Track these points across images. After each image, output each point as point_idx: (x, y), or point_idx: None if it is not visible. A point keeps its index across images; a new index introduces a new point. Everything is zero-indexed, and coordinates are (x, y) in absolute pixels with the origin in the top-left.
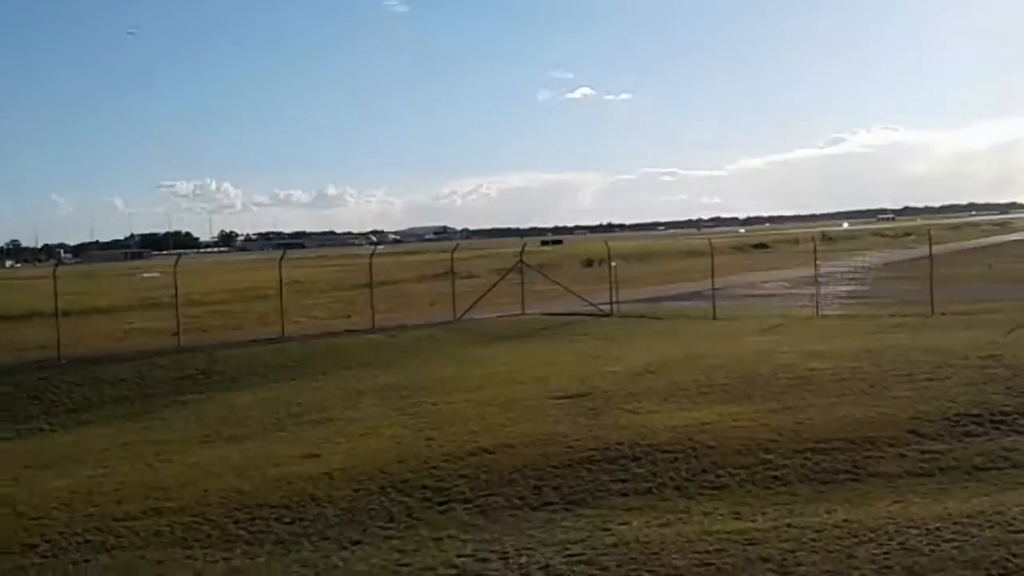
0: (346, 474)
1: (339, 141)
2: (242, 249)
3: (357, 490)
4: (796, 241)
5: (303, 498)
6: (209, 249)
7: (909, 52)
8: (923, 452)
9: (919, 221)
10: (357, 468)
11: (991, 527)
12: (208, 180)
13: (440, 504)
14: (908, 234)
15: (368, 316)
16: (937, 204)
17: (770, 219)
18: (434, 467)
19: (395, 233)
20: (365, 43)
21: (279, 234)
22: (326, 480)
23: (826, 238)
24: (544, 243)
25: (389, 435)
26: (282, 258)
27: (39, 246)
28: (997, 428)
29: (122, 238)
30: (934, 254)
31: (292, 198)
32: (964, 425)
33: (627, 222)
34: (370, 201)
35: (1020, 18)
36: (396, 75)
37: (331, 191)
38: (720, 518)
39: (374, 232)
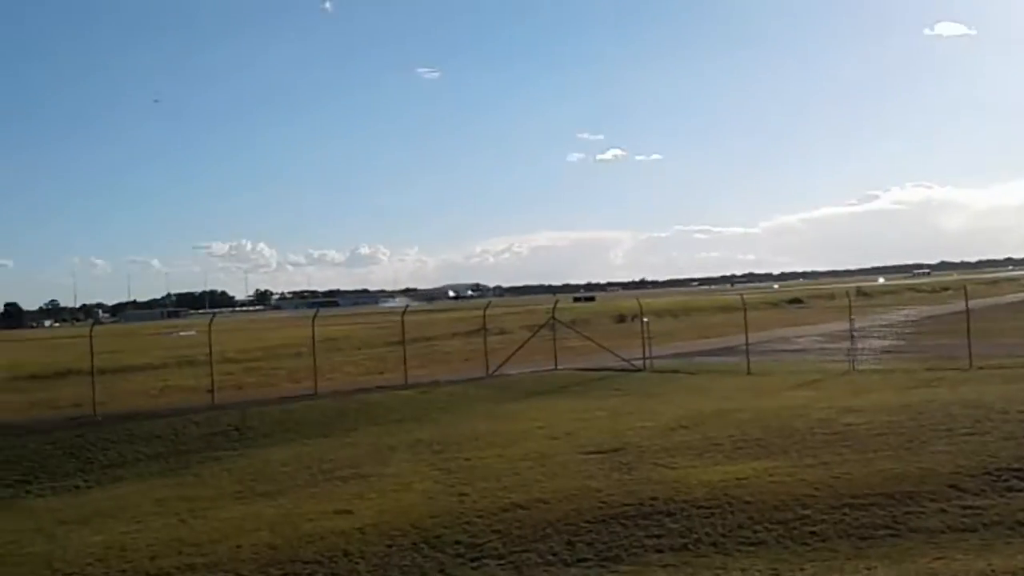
0: (378, 529)
1: (373, 202)
2: (276, 307)
3: (390, 546)
4: (831, 296)
5: (335, 554)
6: (244, 308)
7: (940, 109)
8: (964, 507)
9: (955, 276)
10: (389, 524)
11: None
12: (244, 241)
13: (473, 560)
14: (945, 289)
15: (400, 372)
16: (973, 259)
17: (804, 275)
18: (467, 522)
19: (455, 288)
20: (398, 108)
21: (313, 292)
22: (358, 536)
23: (861, 293)
24: (576, 299)
25: (421, 490)
26: (315, 316)
27: (77, 306)
28: None
29: (159, 297)
30: (971, 308)
31: (326, 257)
32: (1006, 480)
33: (660, 279)
34: (403, 260)
35: None
36: (428, 138)
37: (364, 250)
38: (757, 574)
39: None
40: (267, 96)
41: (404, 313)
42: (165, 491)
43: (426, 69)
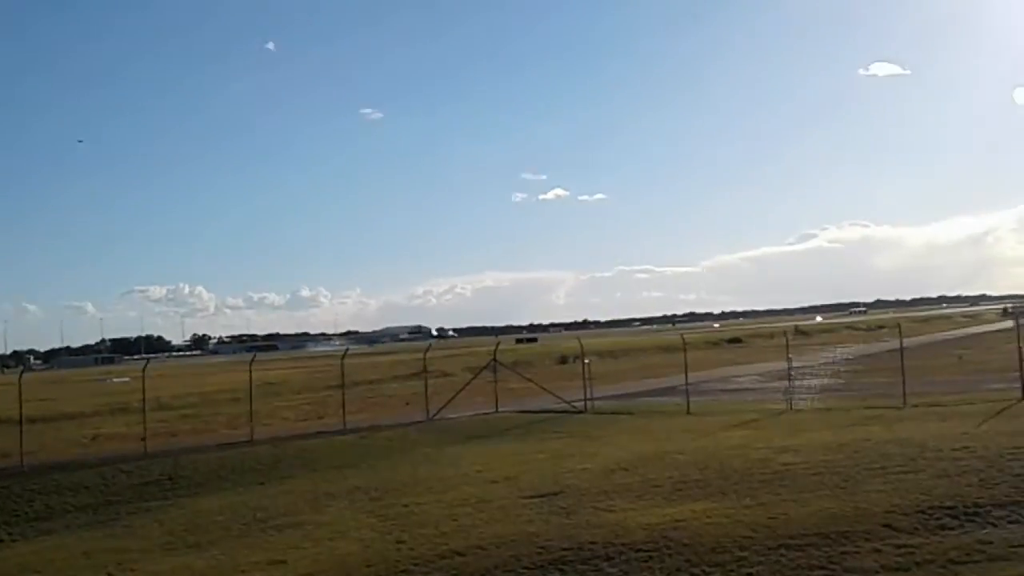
0: None
1: (313, 244)
2: (214, 352)
3: None
4: (770, 335)
5: None
6: (181, 353)
7: (877, 149)
8: (898, 546)
9: (891, 314)
10: (324, 574)
11: None
12: (181, 284)
13: None
14: (880, 327)
15: (340, 417)
16: (908, 297)
17: (744, 314)
18: (404, 571)
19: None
20: (340, 149)
21: (252, 336)
22: None
23: (800, 332)
24: (519, 341)
25: (358, 538)
26: (252, 360)
27: (8, 352)
28: (972, 521)
29: (93, 343)
30: (906, 346)
31: (266, 300)
32: (939, 518)
33: (603, 319)
34: (344, 302)
35: (987, 118)
36: (371, 179)
37: (305, 293)
38: None
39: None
40: (208, 137)
41: (344, 357)
42: (93, 543)
43: (370, 110)
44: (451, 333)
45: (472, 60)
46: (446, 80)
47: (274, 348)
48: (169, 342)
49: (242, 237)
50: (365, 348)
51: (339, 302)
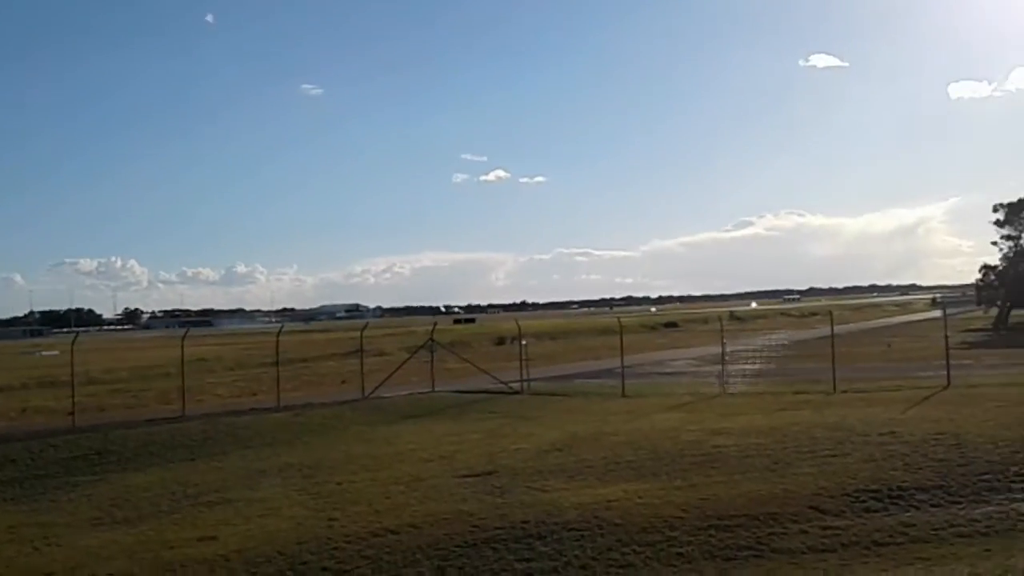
0: (243, 556)
1: (250, 220)
2: (146, 327)
3: (254, 573)
4: (705, 320)
5: None
6: (112, 327)
7: (814, 139)
8: (824, 528)
9: (823, 301)
10: (255, 550)
11: None
12: (113, 258)
13: None
14: (813, 314)
15: (274, 394)
16: (841, 285)
17: (681, 299)
18: (335, 548)
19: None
20: (279, 125)
21: (186, 312)
22: (222, 563)
23: (734, 317)
24: (457, 321)
25: (290, 516)
26: (185, 335)
27: None
28: (896, 504)
29: (21, 315)
30: (837, 334)
31: (200, 276)
32: (864, 501)
33: (541, 301)
34: (281, 279)
35: (922, 112)
36: (309, 156)
37: (241, 269)
38: None
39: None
40: (144, 108)
41: (279, 334)
42: (19, 517)
43: (310, 85)
44: (457, 310)
45: (414, 39)
46: (387, 58)
47: (208, 324)
48: (100, 316)
49: (177, 211)
50: (300, 326)
51: (275, 279)
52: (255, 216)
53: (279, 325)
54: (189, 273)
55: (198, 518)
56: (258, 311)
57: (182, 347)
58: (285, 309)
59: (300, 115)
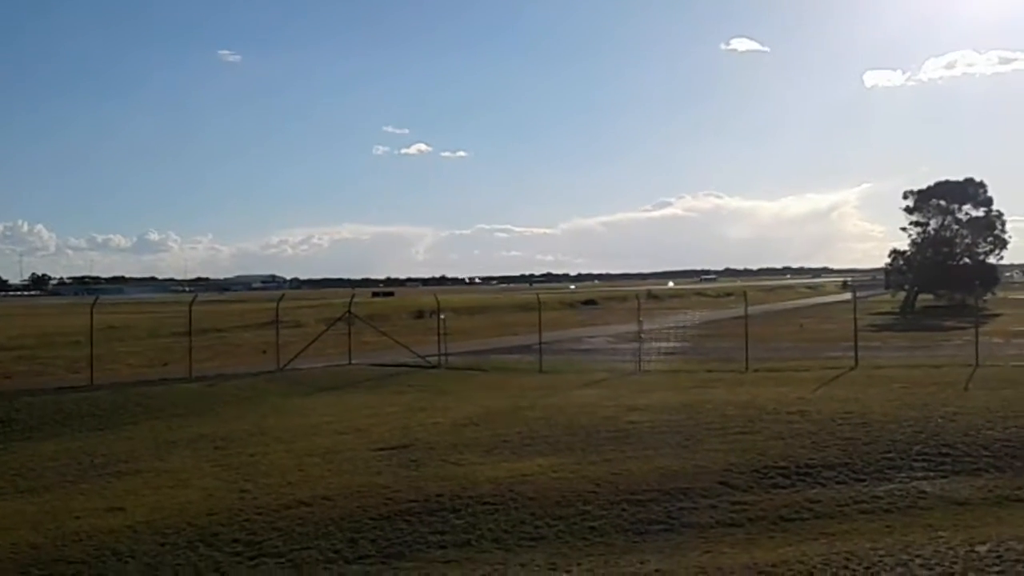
0: (152, 527)
1: (164, 187)
2: (54, 293)
3: (163, 544)
4: (623, 298)
5: (104, 553)
6: (19, 292)
7: (733, 122)
8: (733, 503)
9: (739, 283)
10: (164, 521)
11: None
12: (19, 221)
13: (251, 558)
14: (728, 294)
15: (186, 364)
16: (756, 267)
17: (600, 277)
18: (247, 520)
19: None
20: (196, 90)
21: (96, 279)
22: (130, 534)
23: (652, 296)
24: (375, 295)
25: (200, 487)
26: (95, 303)
27: None
28: (803, 480)
29: None
30: (751, 314)
31: (111, 242)
32: (772, 477)
33: (461, 276)
34: (195, 248)
35: (838, 99)
36: (227, 123)
37: (153, 236)
38: (536, 569)
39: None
40: (58, 72)
41: (192, 303)
42: None
43: (228, 51)
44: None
45: (338, 9)
46: (309, 27)
47: (119, 291)
48: (6, 281)
49: (88, 175)
50: (215, 295)
51: (190, 247)
52: (169, 183)
53: (193, 294)
54: (100, 239)
55: (106, 488)
56: (172, 280)
57: (91, 314)
58: (199, 279)
59: (218, 81)
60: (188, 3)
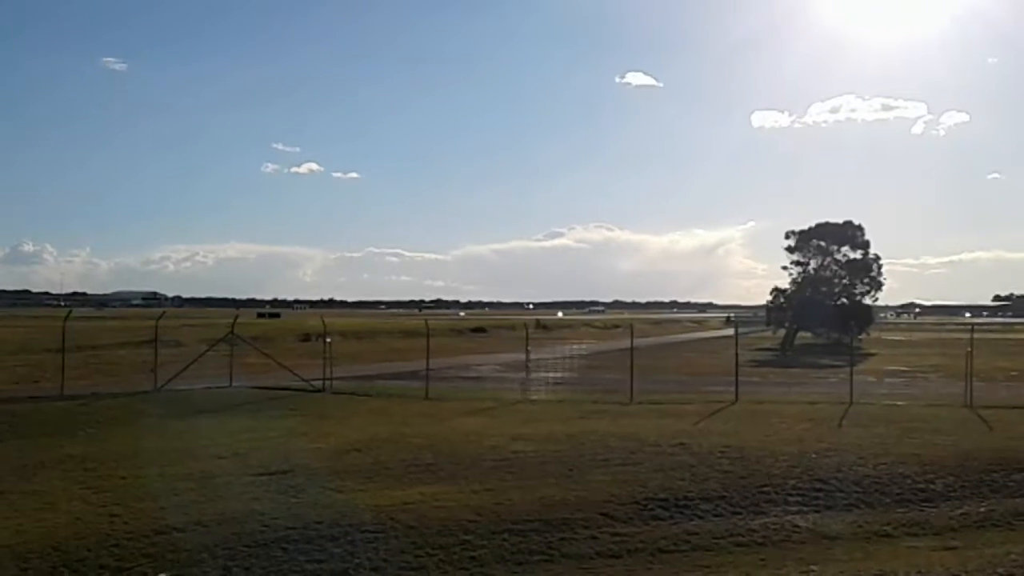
0: (13, 552)
1: (40, 196)
2: None
3: (24, 570)
4: (513, 327)
5: None
6: None
7: (626, 155)
8: (613, 534)
9: (627, 315)
10: (27, 546)
11: None
12: None
13: None
14: (616, 326)
15: (57, 382)
16: (644, 300)
17: (490, 304)
18: (115, 545)
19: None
20: (76, 98)
21: None
22: None
23: (540, 326)
24: (261, 315)
25: (68, 511)
26: None
27: None
28: (681, 512)
29: None
30: (637, 346)
31: None
32: (652, 509)
33: (350, 299)
34: (72, 261)
35: (727, 137)
36: (109, 134)
37: (27, 247)
38: None
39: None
40: None
41: (67, 318)
42: None
43: (113, 59)
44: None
45: (230, 22)
46: (197, 38)
47: None
48: None
49: None
50: (92, 311)
51: (66, 261)
52: (46, 192)
53: (68, 309)
54: None
55: None
56: (46, 294)
57: None
58: (76, 293)
59: (101, 90)
60: (72, 5)
